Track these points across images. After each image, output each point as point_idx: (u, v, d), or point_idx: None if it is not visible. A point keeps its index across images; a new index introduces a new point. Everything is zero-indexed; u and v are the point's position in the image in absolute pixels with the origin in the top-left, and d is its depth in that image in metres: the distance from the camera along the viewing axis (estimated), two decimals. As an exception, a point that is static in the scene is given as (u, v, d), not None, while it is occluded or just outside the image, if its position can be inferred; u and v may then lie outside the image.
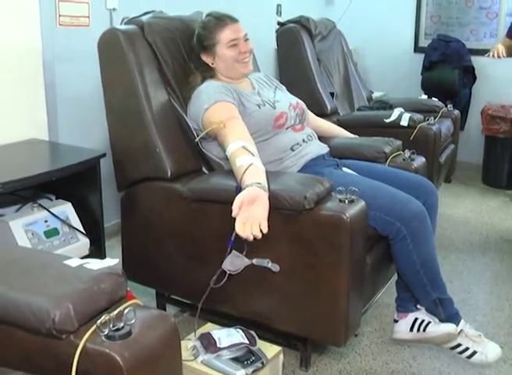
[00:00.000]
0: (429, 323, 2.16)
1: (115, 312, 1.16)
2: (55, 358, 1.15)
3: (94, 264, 1.27)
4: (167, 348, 1.20)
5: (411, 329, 2.20)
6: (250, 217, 1.75)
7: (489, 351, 2.12)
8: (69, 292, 1.14)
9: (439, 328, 2.14)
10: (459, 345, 2.13)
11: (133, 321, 1.15)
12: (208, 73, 2.36)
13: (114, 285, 1.22)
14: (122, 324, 1.13)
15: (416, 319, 2.19)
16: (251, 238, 1.75)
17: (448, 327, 2.13)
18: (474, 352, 2.11)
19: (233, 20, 2.34)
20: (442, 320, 2.14)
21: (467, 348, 2.12)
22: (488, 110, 4.65)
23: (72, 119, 3.03)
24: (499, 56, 3.76)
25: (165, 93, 2.32)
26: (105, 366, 1.09)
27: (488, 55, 3.82)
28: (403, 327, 2.23)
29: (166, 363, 1.21)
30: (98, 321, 1.12)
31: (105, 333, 1.11)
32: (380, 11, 5.34)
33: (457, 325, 2.13)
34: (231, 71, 2.33)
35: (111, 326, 1.12)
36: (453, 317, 2.14)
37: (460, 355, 2.14)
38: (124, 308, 1.17)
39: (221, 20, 2.32)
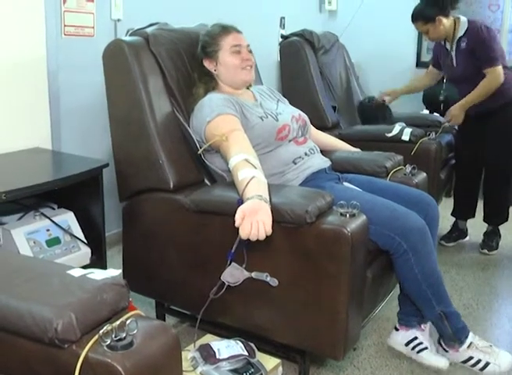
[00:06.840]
0: (425, 348, 2.16)
1: (118, 322, 1.16)
2: (56, 368, 1.15)
3: (97, 274, 1.28)
4: (168, 359, 1.21)
5: (407, 344, 2.20)
6: (254, 219, 1.72)
7: (502, 360, 2.12)
8: (72, 302, 1.15)
9: (431, 358, 2.15)
10: (471, 358, 2.13)
11: (135, 331, 1.15)
12: (211, 83, 2.37)
13: (116, 296, 1.23)
14: (124, 334, 1.14)
15: (415, 338, 2.19)
16: (254, 238, 1.71)
17: (440, 362, 2.15)
18: (487, 363, 2.11)
19: (237, 31, 2.37)
20: (449, 335, 2.13)
21: (479, 361, 2.12)
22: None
23: (75, 128, 3.05)
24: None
25: (169, 104, 2.34)
26: (107, 376, 1.10)
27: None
28: (400, 338, 2.23)
29: (167, 374, 1.21)
30: (101, 331, 1.13)
31: (107, 343, 1.12)
32: (382, 25, 5.35)
33: (466, 338, 2.13)
34: (233, 78, 2.34)
35: (113, 336, 1.12)
36: (460, 331, 2.14)
37: (472, 368, 2.14)
38: (126, 319, 1.17)
39: (225, 28, 2.35)
